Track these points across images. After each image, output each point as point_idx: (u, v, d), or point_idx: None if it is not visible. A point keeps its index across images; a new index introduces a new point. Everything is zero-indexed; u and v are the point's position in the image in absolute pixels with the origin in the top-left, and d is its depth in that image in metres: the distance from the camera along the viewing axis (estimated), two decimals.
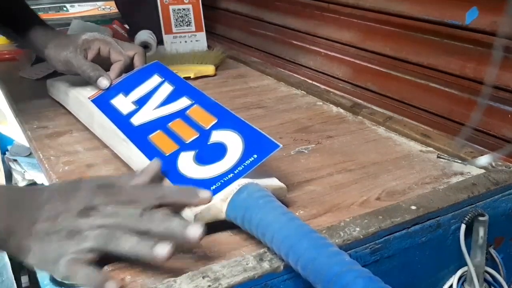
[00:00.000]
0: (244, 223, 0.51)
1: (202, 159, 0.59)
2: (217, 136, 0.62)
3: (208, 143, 0.61)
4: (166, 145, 0.62)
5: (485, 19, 0.75)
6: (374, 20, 0.95)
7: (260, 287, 0.48)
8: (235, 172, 0.56)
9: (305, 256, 0.45)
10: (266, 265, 0.48)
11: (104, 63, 0.81)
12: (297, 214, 0.57)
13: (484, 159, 0.68)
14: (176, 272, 0.48)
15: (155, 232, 0.48)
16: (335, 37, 1.05)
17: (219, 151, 0.59)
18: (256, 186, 0.54)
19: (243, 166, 0.56)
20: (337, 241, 0.51)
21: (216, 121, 0.64)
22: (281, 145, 0.58)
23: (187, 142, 0.62)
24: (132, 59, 0.83)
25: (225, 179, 0.55)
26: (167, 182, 0.57)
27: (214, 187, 0.54)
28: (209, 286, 0.45)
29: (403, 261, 0.56)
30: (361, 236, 0.52)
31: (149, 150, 0.62)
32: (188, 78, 1.05)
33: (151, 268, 0.49)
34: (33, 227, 0.48)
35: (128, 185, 0.53)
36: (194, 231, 0.47)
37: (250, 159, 0.57)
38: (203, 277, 0.46)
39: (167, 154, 0.61)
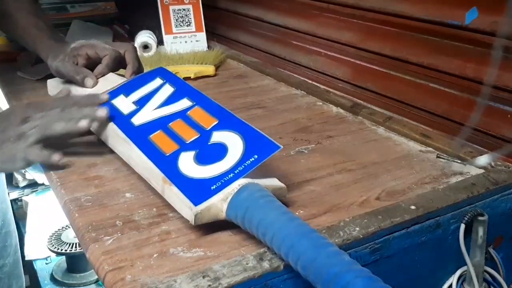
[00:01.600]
0: (244, 222, 0.51)
1: (203, 159, 0.59)
2: (217, 137, 0.62)
3: (209, 143, 0.61)
4: (167, 145, 0.62)
5: (485, 19, 0.75)
6: (374, 20, 0.95)
7: (260, 286, 0.48)
8: (236, 172, 0.56)
9: (305, 256, 0.45)
10: (266, 265, 0.48)
11: (96, 65, 0.85)
12: (297, 214, 0.57)
13: (484, 159, 0.68)
14: (176, 272, 0.48)
15: (76, 117, 0.67)
16: (335, 37, 1.05)
17: (220, 151, 0.59)
18: (256, 186, 0.54)
19: (243, 166, 0.56)
20: (336, 241, 0.51)
21: (217, 122, 0.64)
22: (281, 146, 0.58)
23: (187, 142, 0.62)
24: (123, 55, 0.86)
25: (226, 179, 0.55)
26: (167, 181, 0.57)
27: (214, 186, 0.54)
28: (209, 285, 0.46)
29: (402, 261, 0.56)
30: (361, 236, 0.52)
31: (150, 150, 0.62)
32: (188, 78, 1.05)
33: (151, 267, 0.49)
34: None
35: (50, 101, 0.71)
36: (101, 111, 0.69)
37: (251, 160, 0.57)
38: (203, 277, 0.46)
39: (167, 154, 0.61)
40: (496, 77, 0.72)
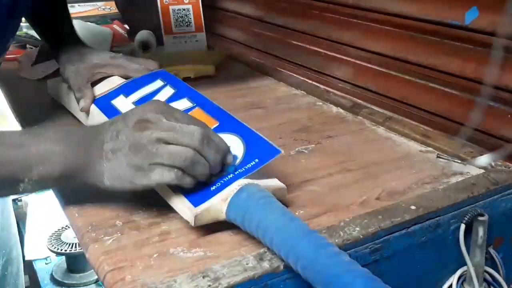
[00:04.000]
0: (244, 223, 0.51)
1: None
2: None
3: None
4: None
5: (485, 19, 0.75)
6: (374, 20, 0.95)
7: (260, 287, 0.48)
8: (236, 173, 0.56)
9: (305, 257, 0.45)
10: (266, 265, 0.48)
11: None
12: (297, 214, 0.57)
13: (484, 159, 0.68)
14: (176, 272, 0.48)
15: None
16: (335, 37, 1.05)
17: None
18: (256, 187, 0.54)
19: (243, 169, 0.56)
20: (336, 241, 0.51)
21: (217, 124, 0.64)
22: (282, 151, 0.58)
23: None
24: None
25: (225, 180, 0.55)
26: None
27: (214, 187, 0.54)
28: (209, 285, 0.46)
29: (402, 261, 0.56)
30: (361, 236, 0.52)
31: None
32: (188, 78, 1.05)
33: (151, 268, 0.49)
34: (102, 150, 0.54)
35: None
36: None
37: (251, 163, 0.57)
38: (203, 277, 0.46)
39: None
40: (496, 77, 0.72)
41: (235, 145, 0.59)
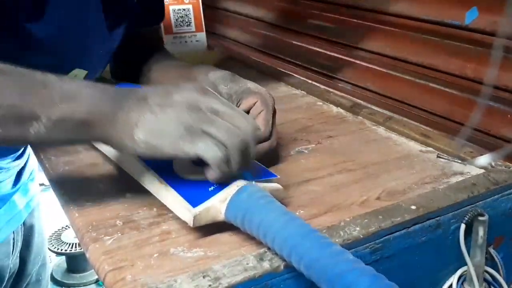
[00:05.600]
0: (244, 223, 0.51)
1: (199, 160, 0.58)
2: None
3: None
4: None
5: (485, 19, 0.75)
6: (374, 20, 0.95)
7: (260, 286, 0.48)
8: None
9: (308, 256, 0.45)
10: (266, 265, 0.48)
11: None
12: (297, 214, 0.57)
13: (484, 159, 0.68)
14: (176, 272, 0.48)
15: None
16: (335, 37, 1.05)
17: None
18: (255, 187, 0.54)
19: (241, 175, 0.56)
20: (337, 240, 0.51)
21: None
22: (278, 176, 0.58)
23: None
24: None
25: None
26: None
27: (212, 188, 0.54)
28: (209, 285, 0.46)
29: (403, 261, 0.56)
30: (361, 236, 0.52)
31: None
32: None
33: (151, 267, 0.49)
34: (146, 103, 0.48)
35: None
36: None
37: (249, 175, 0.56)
38: (204, 277, 0.46)
39: None
40: (496, 77, 0.72)
41: None
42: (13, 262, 0.85)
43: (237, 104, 0.65)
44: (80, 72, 0.64)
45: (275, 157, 0.71)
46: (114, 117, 0.48)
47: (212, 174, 0.51)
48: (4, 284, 0.83)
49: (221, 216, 0.53)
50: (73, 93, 0.49)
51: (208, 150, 0.48)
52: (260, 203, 0.51)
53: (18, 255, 0.87)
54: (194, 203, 0.53)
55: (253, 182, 0.55)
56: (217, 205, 0.53)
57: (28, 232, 0.90)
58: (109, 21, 0.67)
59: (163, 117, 0.47)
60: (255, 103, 0.65)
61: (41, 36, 0.59)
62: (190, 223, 0.52)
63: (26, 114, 0.47)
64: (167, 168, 0.58)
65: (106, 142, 0.51)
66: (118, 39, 0.71)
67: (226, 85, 0.66)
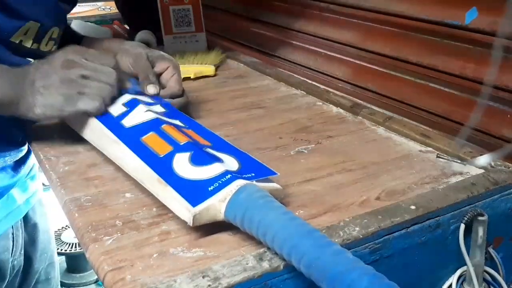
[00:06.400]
0: (244, 223, 0.51)
1: (198, 160, 0.58)
2: (213, 152, 0.61)
3: (204, 150, 0.60)
4: (160, 147, 0.61)
5: (485, 19, 0.75)
6: (374, 20, 0.95)
7: (260, 286, 0.48)
8: (233, 173, 0.55)
9: (309, 255, 0.45)
10: (266, 265, 0.48)
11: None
12: (297, 213, 0.57)
13: (484, 159, 0.68)
14: (176, 272, 0.48)
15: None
16: (335, 37, 1.05)
17: (216, 158, 0.59)
18: (255, 187, 0.54)
19: (240, 174, 0.56)
20: (337, 240, 0.51)
21: (210, 145, 0.63)
22: (278, 174, 0.59)
23: (181, 143, 0.61)
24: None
25: (223, 180, 0.54)
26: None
27: (212, 187, 0.54)
28: (209, 285, 0.46)
29: (402, 261, 0.56)
30: (361, 236, 0.52)
31: (142, 152, 0.61)
32: (188, 78, 1.05)
33: (151, 267, 0.49)
34: (33, 86, 0.66)
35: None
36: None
37: (247, 175, 0.56)
38: (203, 277, 0.46)
39: (161, 155, 0.60)
40: (496, 77, 0.72)
41: (230, 161, 0.59)
42: (17, 259, 0.86)
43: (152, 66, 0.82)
44: (33, 25, 0.75)
45: (275, 157, 0.71)
46: (18, 103, 0.66)
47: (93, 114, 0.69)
48: (8, 281, 0.84)
49: (220, 215, 0.53)
50: None
51: (86, 105, 0.67)
52: (260, 203, 0.51)
53: (22, 252, 0.88)
54: (193, 202, 0.53)
55: (253, 182, 0.55)
56: (217, 204, 0.53)
57: (32, 230, 0.91)
58: None
59: (49, 95, 0.65)
60: (168, 67, 0.82)
61: None
62: (190, 223, 0.52)
63: None
64: (165, 167, 0.58)
65: (19, 116, 0.68)
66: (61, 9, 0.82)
67: (144, 50, 0.83)
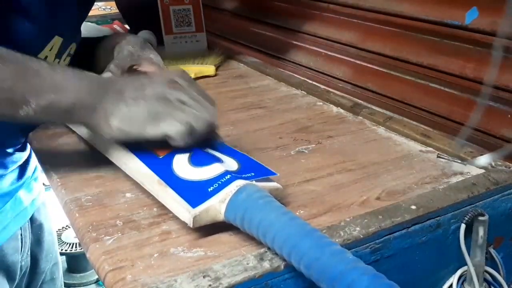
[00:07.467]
0: (244, 224, 0.51)
1: (198, 161, 0.58)
2: (212, 152, 0.61)
3: (203, 150, 0.60)
4: (159, 148, 0.60)
5: (485, 19, 0.75)
6: (374, 20, 0.95)
7: (260, 286, 0.48)
8: (233, 174, 0.55)
9: (309, 255, 0.45)
10: (266, 265, 0.48)
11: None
12: (297, 213, 0.57)
13: (484, 159, 0.68)
14: (176, 272, 0.48)
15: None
16: (335, 37, 1.05)
17: (215, 158, 0.59)
18: (254, 187, 0.54)
19: (240, 174, 0.56)
20: (337, 240, 0.51)
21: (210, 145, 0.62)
22: (277, 174, 0.58)
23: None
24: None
25: (223, 180, 0.54)
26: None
27: (211, 188, 0.54)
28: (209, 285, 0.46)
29: (403, 261, 0.56)
30: (361, 236, 0.52)
31: (142, 153, 0.61)
32: None
33: (151, 267, 0.49)
34: (121, 95, 0.57)
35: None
36: None
37: (247, 175, 0.56)
38: (204, 277, 0.46)
39: (161, 157, 0.60)
40: (496, 77, 0.72)
41: (229, 161, 0.59)
42: (24, 259, 0.86)
43: (133, 66, 0.76)
44: (57, 40, 0.70)
45: (275, 157, 0.71)
46: (95, 108, 0.57)
47: (175, 143, 0.58)
48: (17, 281, 0.84)
49: (220, 216, 0.53)
50: (61, 84, 0.57)
51: (171, 127, 0.57)
52: (259, 203, 0.51)
53: (29, 253, 0.88)
54: (193, 203, 0.53)
55: (253, 181, 0.55)
56: (217, 205, 0.53)
57: (38, 230, 0.91)
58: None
59: (135, 107, 0.56)
60: (152, 70, 0.76)
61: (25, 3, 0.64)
62: (190, 224, 0.52)
63: (18, 99, 0.54)
64: (165, 169, 0.58)
65: (86, 126, 0.60)
66: (89, 7, 0.78)
67: (134, 47, 0.78)
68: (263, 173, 0.58)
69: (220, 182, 0.54)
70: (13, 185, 0.80)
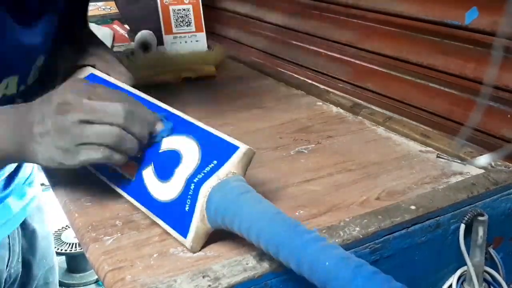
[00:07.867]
0: (233, 227, 0.49)
1: (161, 172, 0.56)
2: (168, 144, 0.57)
3: (160, 151, 0.57)
4: (128, 168, 0.58)
5: (485, 19, 0.75)
6: (374, 20, 0.95)
7: (260, 286, 0.48)
8: (195, 181, 0.52)
9: (297, 254, 0.44)
10: (266, 265, 0.48)
11: None
12: (297, 214, 0.57)
13: (484, 159, 0.68)
14: (176, 272, 0.48)
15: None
16: (335, 37, 1.05)
17: (174, 159, 0.56)
18: (219, 189, 0.51)
19: (202, 174, 0.52)
20: (337, 240, 0.51)
21: (163, 128, 0.58)
22: (240, 146, 0.54)
23: (139, 155, 0.57)
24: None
25: (191, 193, 0.52)
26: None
27: (187, 207, 0.52)
28: (209, 285, 0.46)
29: (402, 261, 0.56)
30: (361, 236, 0.52)
31: (113, 175, 0.60)
32: (189, 78, 1.05)
33: (151, 267, 0.49)
34: (32, 133, 0.55)
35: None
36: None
37: (210, 165, 0.53)
38: (203, 277, 0.46)
39: (133, 179, 0.58)
40: (496, 77, 0.72)
41: (189, 149, 0.56)
42: (14, 267, 0.85)
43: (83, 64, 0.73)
44: (11, 80, 0.66)
45: (275, 157, 0.71)
46: (21, 151, 0.56)
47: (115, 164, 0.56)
48: None
49: (210, 229, 0.52)
50: None
51: (90, 156, 0.53)
52: (229, 198, 0.49)
53: (20, 260, 0.87)
54: (183, 232, 0.52)
55: (217, 173, 0.52)
56: (200, 224, 0.51)
57: (31, 236, 0.90)
58: (21, 16, 0.66)
59: (45, 146, 0.54)
60: (120, 78, 0.71)
61: None
62: (192, 252, 0.51)
63: None
64: (143, 192, 0.56)
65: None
66: (43, 32, 0.71)
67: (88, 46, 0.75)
68: (226, 154, 0.54)
69: (189, 196, 0.52)
70: (1, 193, 0.79)
